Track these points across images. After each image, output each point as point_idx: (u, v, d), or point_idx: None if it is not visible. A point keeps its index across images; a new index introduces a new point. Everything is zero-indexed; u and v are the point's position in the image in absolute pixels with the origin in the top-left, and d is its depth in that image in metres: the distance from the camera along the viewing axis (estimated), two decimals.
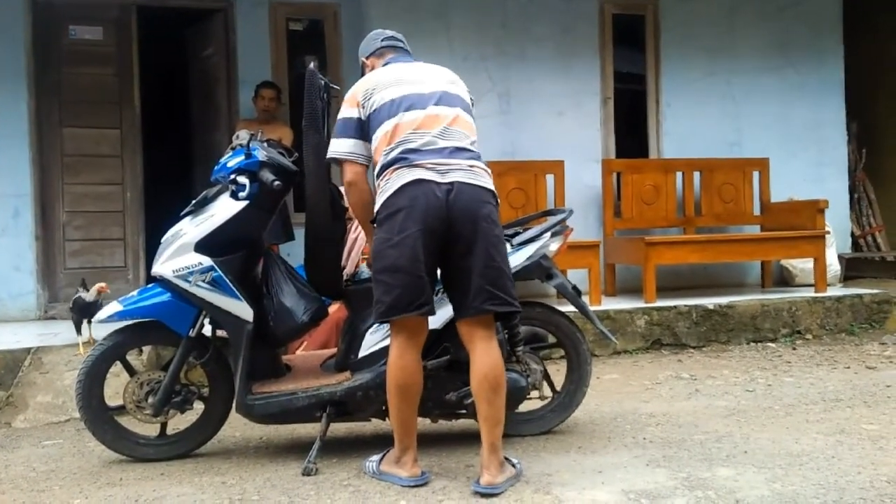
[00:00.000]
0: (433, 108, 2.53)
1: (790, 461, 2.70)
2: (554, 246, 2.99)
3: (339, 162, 2.61)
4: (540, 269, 2.97)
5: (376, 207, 2.53)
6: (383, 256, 2.45)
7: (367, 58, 2.80)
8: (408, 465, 2.55)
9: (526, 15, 5.69)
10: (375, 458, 2.68)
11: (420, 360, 2.55)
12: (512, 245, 2.91)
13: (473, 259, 2.44)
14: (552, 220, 3.05)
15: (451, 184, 2.43)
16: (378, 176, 2.53)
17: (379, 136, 2.53)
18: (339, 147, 2.58)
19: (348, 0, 5.84)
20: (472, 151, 2.53)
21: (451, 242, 2.45)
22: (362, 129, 2.57)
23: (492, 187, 2.53)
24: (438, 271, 2.55)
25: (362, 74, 2.79)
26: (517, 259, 2.90)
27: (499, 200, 2.59)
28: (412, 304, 2.44)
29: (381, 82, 2.59)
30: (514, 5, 5.65)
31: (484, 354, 2.48)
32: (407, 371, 2.49)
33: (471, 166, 2.49)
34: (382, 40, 2.78)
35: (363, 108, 2.57)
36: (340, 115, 2.61)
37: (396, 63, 2.70)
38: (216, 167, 2.91)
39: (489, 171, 2.57)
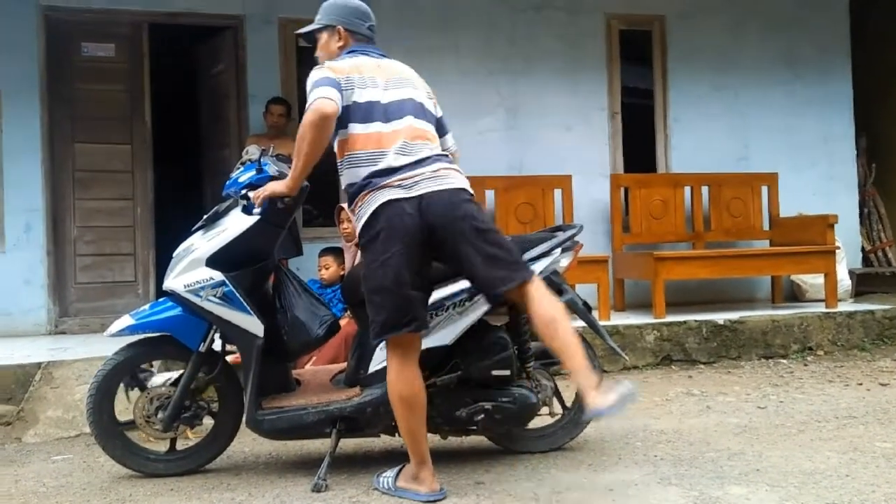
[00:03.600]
0: (393, 123, 2.55)
1: (803, 479, 2.67)
2: (564, 262, 2.98)
3: (322, 100, 2.46)
4: (551, 284, 2.95)
5: (357, 232, 2.58)
6: (372, 278, 2.50)
7: (345, 29, 2.72)
8: (427, 482, 2.54)
9: (533, 30, 5.72)
10: (390, 473, 2.66)
11: (419, 371, 2.56)
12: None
13: (467, 256, 2.48)
14: (562, 235, 3.05)
15: (420, 196, 2.46)
16: (351, 202, 2.58)
17: (345, 136, 2.56)
18: (327, 93, 2.47)
19: None
20: (433, 157, 2.54)
21: (439, 247, 2.49)
22: (340, 91, 2.52)
23: (462, 184, 2.55)
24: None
25: (321, 30, 2.74)
26: None
27: (472, 192, 2.58)
28: (401, 323, 2.47)
29: (354, 78, 2.56)
30: (521, 20, 5.68)
31: (539, 302, 2.46)
32: (408, 383, 2.52)
33: (434, 171, 2.51)
34: (368, 27, 2.75)
35: (342, 88, 2.52)
36: (322, 74, 2.54)
37: (366, 57, 2.66)
38: (228, 182, 2.92)
39: (456, 166, 2.59)
